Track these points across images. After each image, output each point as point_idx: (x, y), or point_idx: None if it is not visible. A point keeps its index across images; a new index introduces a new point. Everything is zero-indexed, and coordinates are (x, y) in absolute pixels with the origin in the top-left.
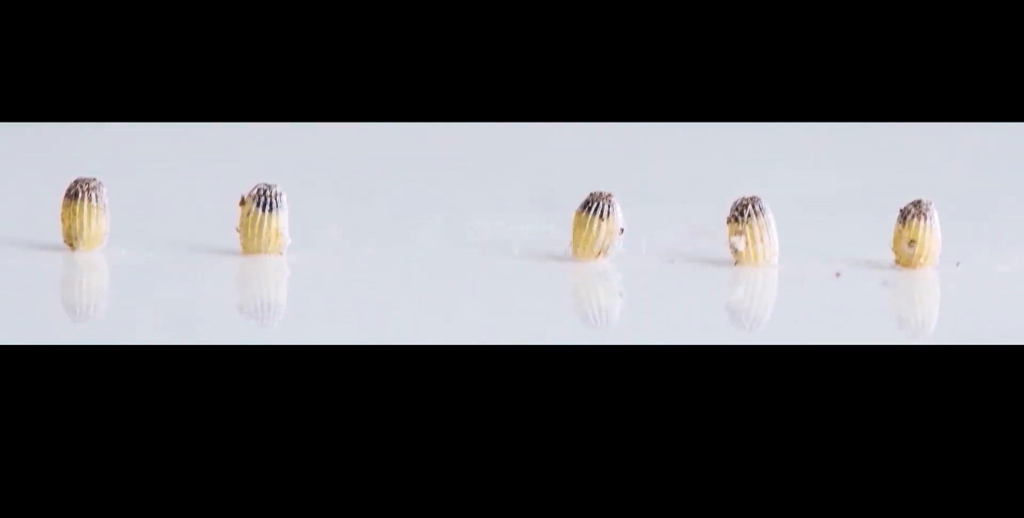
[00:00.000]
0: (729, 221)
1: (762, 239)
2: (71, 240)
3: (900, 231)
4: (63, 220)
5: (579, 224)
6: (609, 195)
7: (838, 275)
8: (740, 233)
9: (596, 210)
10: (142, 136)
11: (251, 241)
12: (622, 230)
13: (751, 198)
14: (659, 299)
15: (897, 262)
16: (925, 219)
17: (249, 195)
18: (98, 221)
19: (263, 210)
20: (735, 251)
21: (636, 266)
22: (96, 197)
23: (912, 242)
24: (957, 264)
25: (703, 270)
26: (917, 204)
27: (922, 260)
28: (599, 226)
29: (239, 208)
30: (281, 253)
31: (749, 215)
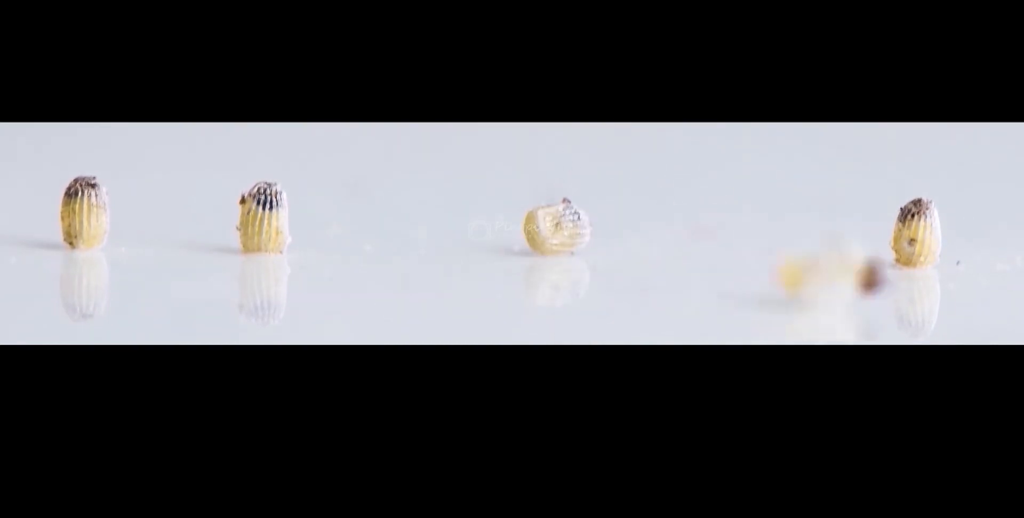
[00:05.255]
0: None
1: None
2: (71, 238)
3: (900, 230)
4: (63, 218)
5: None
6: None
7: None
8: (912, 240)
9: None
10: (142, 136)
11: (251, 239)
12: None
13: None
14: (660, 299)
15: (897, 261)
16: (925, 218)
17: (249, 194)
18: (98, 219)
19: (263, 208)
20: (903, 251)
21: (638, 266)
22: (95, 195)
23: (912, 241)
24: (957, 263)
25: (704, 270)
26: (917, 203)
27: (922, 259)
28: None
29: (239, 206)
30: (281, 251)
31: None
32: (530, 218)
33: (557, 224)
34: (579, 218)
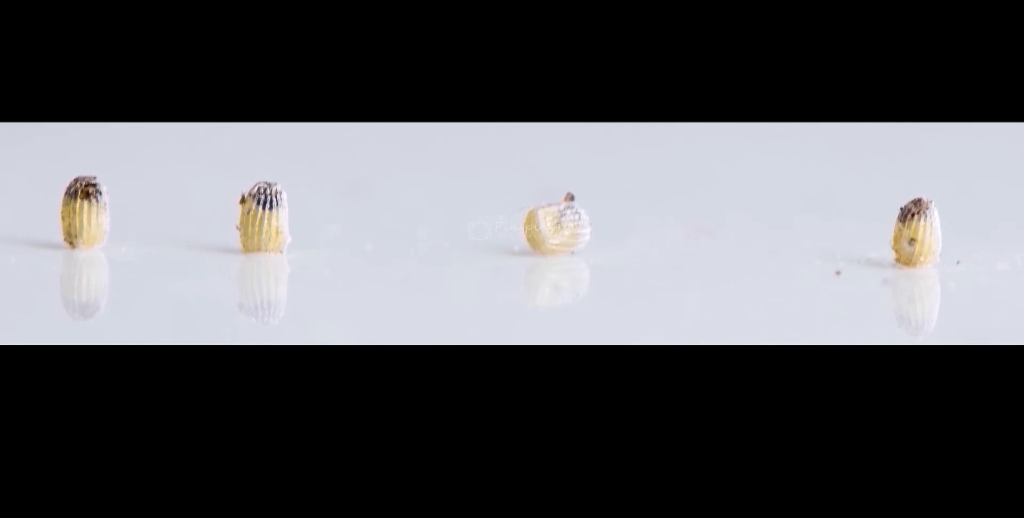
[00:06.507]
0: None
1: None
2: (71, 238)
3: (900, 230)
4: (63, 218)
5: None
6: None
7: (838, 273)
8: (912, 240)
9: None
10: (142, 136)
11: (251, 239)
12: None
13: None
14: (660, 299)
15: (897, 260)
16: (925, 217)
17: (249, 193)
18: (98, 219)
19: (263, 208)
20: (903, 250)
21: (638, 265)
22: (96, 195)
23: (912, 240)
24: (957, 262)
25: (704, 270)
26: (917, 202)
27: (922, 258)
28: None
29: (239, 206)
30: (281, 251)
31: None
32: (530, 218)
33: (557, 223)
34: (580, 217)
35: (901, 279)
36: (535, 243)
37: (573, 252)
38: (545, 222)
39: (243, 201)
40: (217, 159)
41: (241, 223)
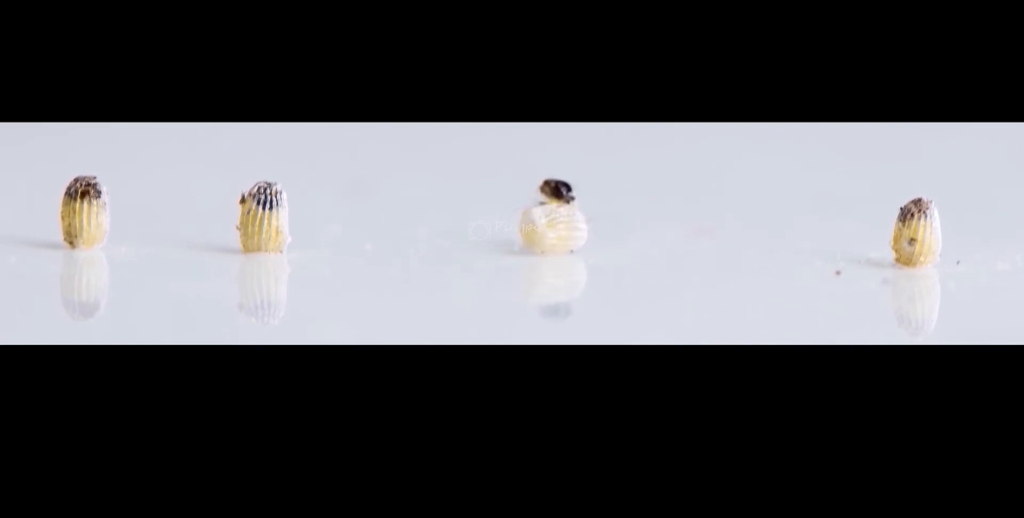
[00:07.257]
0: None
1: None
2: (71, 238)
3: (900, 229)
4: (63, 218)
5: None
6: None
7: (838, 273)
8: (912, 240)
9: None
10: (142, 136)
11: (251, 239)
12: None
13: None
14: (660, 299)
15: (897, 260)
16: (925, 217)
17: (249, 193)
18: (98, 219)
19: (263, 208)
20: (903, 249)
21: (638, 265)
22: (96, 195)
23: (912, 240)
24: (957, 262)
25: (705, 270)
26: (917, 202)
27: (922, 258)
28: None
29: (239, 206)
30: (281, 251)
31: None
32: (525, 216)
33: (552, 219)
34: (574, 213)
35: (901, 279)
36: (534, 240)
37: (572, 251)
38: (540, 219)
39: (243, 201)
40: (217, 159)
41: (241, 223)
